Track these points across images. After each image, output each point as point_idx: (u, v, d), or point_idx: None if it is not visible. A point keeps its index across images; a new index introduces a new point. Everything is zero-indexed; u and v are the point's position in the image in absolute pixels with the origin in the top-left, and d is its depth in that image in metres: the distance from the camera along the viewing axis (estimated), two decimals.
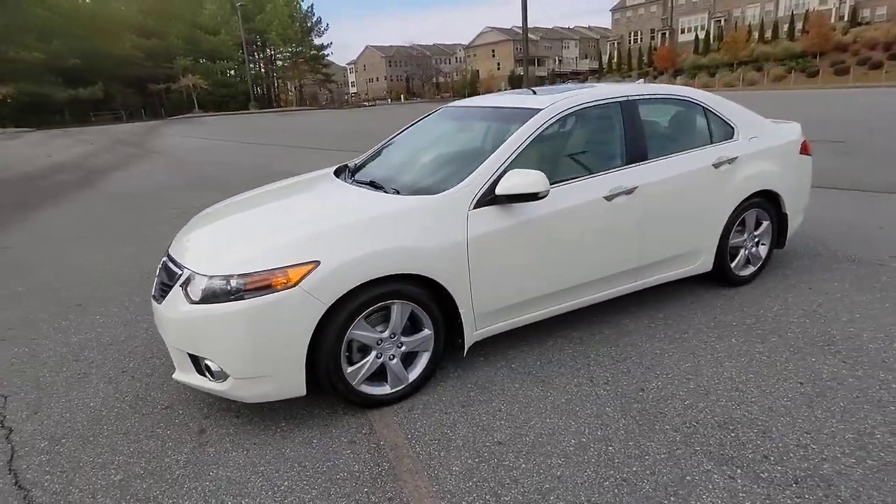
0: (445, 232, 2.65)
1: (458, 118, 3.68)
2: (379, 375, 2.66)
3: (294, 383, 2.42)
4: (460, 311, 2.73)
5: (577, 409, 2.58)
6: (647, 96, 3.44)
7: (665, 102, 3.61)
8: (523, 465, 2.22)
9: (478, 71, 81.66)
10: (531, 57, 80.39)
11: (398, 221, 2.63)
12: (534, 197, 2.69)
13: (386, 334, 2.59)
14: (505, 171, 2.78)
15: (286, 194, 3.36)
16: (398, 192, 2.93)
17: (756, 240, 3.89)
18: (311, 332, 2.37)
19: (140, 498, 2.17)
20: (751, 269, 3.93)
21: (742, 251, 3.84)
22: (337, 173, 3.61)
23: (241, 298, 2.33)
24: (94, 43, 41.18)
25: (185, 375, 2.56)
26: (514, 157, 2.87)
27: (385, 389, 2.67)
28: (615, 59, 65.96)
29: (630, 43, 66.62)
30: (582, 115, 3.23)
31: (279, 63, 64.56)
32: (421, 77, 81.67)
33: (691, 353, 3.04)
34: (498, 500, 2.04)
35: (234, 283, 2.34)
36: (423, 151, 3.53)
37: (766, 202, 3.82)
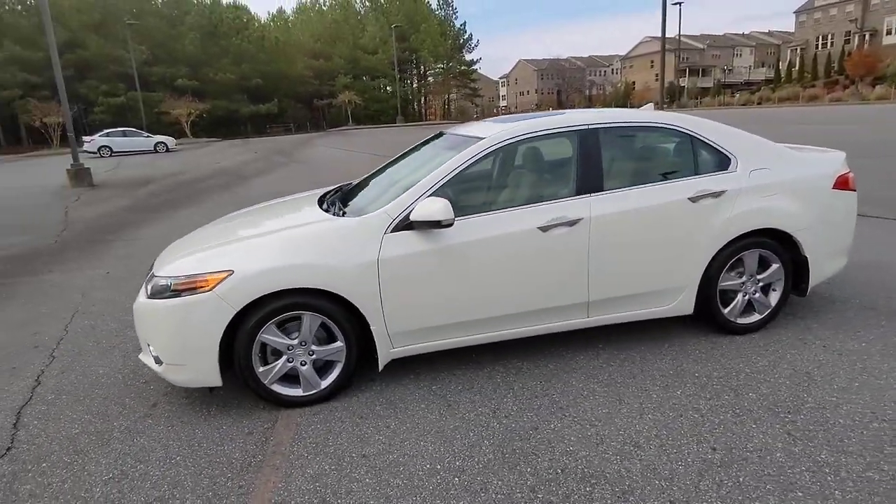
0: (358, 252, 2.84)
1: (436, 144, 3.81)
2: (295, 378, 2.94)
3: (210, 374, 2.80)
4: (372, 328, 2.90)
5: (457, 437, 2.60)
6: (617, 124, 3.27)
7: (643, 131, 3.38)
8: (366, 480, 2.34)
9: (633, 83, 78.18)
10: (694, 67, 74.96)
11: (317, 240, 2.90)
12: (438, 224, 2.77)
13: (296, 342, 2.86)
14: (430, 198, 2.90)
15: (265, 211, 3.80)
16: (345, 214, 3.19)
17: (760, 284, 3.43)
18: (222, 331, 2.73)
19: (78, 450, 2.70)
20: (756, 317, 3.48)
21: (740, 296, 3.42)
22: (327, 193, 3.95)
23: (174, 297, 2.77)
24: (274, 66, 48.07)
25: (144, 357, 3.08)
26: (440, 184, 2.96)
27: (298, 392, 2.93)
28: (795, 67, 58.46)
29: (817, 48, 58.64)
30: (529, 144, 3.19)
31: (431, 79, 68.23)
32: (566, 90, 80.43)
33: (619, 399, 2.84)
34: None
35: (170, 283, 2.80)
36: (393, 175, 3.72)
37: (776, 242, 3.36)
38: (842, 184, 3.50)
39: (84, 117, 40.06)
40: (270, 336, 2.82)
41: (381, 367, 3.03)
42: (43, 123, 34.24)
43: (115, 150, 29.19)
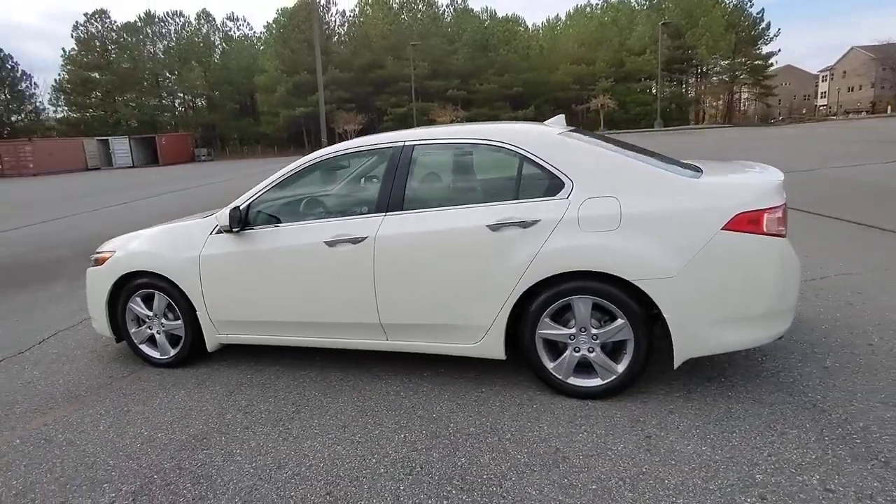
0: (191, 248, 3.39)
1: None
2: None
3: (104, 328, 3.73)
4: (198, 313, 3.43)
5: (180, 425, 2.86)
6: (436, 142, 3.02)
7: (467, 148, 3.01)
8: (100, 429, 2.89)
9: None
10: None
11: (171, 235, 3.56)
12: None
13: (152, 314, 3.58)
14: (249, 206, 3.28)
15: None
16: None
17: (598, 341, 2.72)
18: (107, 295, 3.61)
19: (35, 362, 3.92)
20: (597, 382, 2.77)
21: (569, 351, 2.77)
22: None
23: (93, 266, 3.79)
24: (535, 73, 50.20)
25: None
26: (259, 194, 3.29)
27: (157, 355, 3.65)
28: None
29: None
30: (342, 160, 3.20)
31: (715, 79, 61.23)
32: None
33: (344, 426, 2.73)
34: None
35: (93, 256, 3.83)
36: None
37: (623, 291, 2.63)
38: (743, 224, 2.49)
39: (378, 124, 49.05)
40: (135, 306, 3.60)
41: (210, 349, 3.52)
42: (344, 130, 43.40)
43: None
